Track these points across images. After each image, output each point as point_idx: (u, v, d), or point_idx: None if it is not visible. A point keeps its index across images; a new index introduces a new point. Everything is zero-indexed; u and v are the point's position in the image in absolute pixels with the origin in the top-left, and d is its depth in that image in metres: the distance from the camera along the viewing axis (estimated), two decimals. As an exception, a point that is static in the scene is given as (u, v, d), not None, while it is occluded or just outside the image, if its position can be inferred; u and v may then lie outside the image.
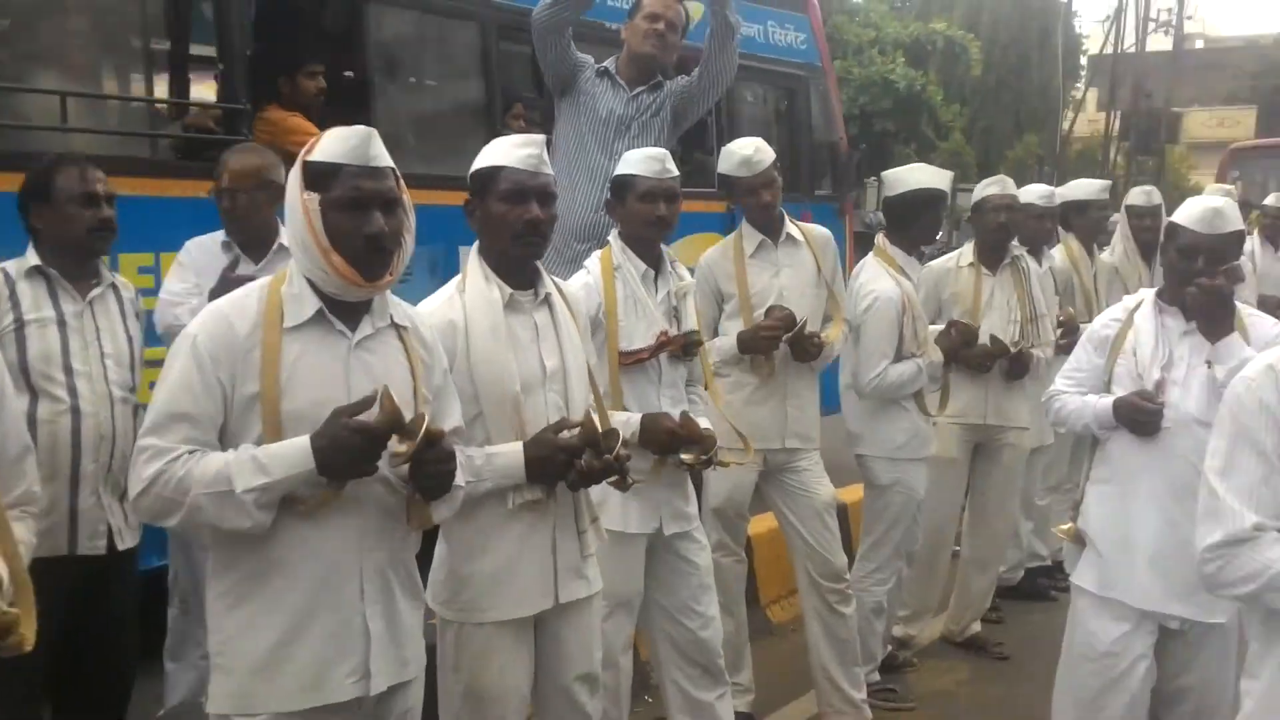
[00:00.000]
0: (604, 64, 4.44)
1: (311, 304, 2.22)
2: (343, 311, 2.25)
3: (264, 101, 4.80)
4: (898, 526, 4.42)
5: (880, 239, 4.39)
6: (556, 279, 2.91)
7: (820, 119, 8.00)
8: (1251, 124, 37.68)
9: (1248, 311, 3.30)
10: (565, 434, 2.65)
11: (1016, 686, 4.54)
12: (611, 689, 3.34)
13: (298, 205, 2.20)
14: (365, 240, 2.18)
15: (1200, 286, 3.12)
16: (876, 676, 4.51)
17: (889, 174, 4.48)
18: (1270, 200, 8.07)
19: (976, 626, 5.14)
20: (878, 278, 4.25)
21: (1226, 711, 3.09)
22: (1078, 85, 32.37)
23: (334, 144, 2.21)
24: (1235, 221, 3.24)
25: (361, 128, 2.23)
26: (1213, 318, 3.13)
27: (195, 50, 5.17)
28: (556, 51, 4.35)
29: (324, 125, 4.96)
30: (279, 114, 4.85)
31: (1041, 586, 5.74)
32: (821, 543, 4.05)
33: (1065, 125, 27.82)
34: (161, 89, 5.27)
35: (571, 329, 2.81)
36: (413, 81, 5.97)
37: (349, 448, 2.09)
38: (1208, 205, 3.21)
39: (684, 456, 3.24)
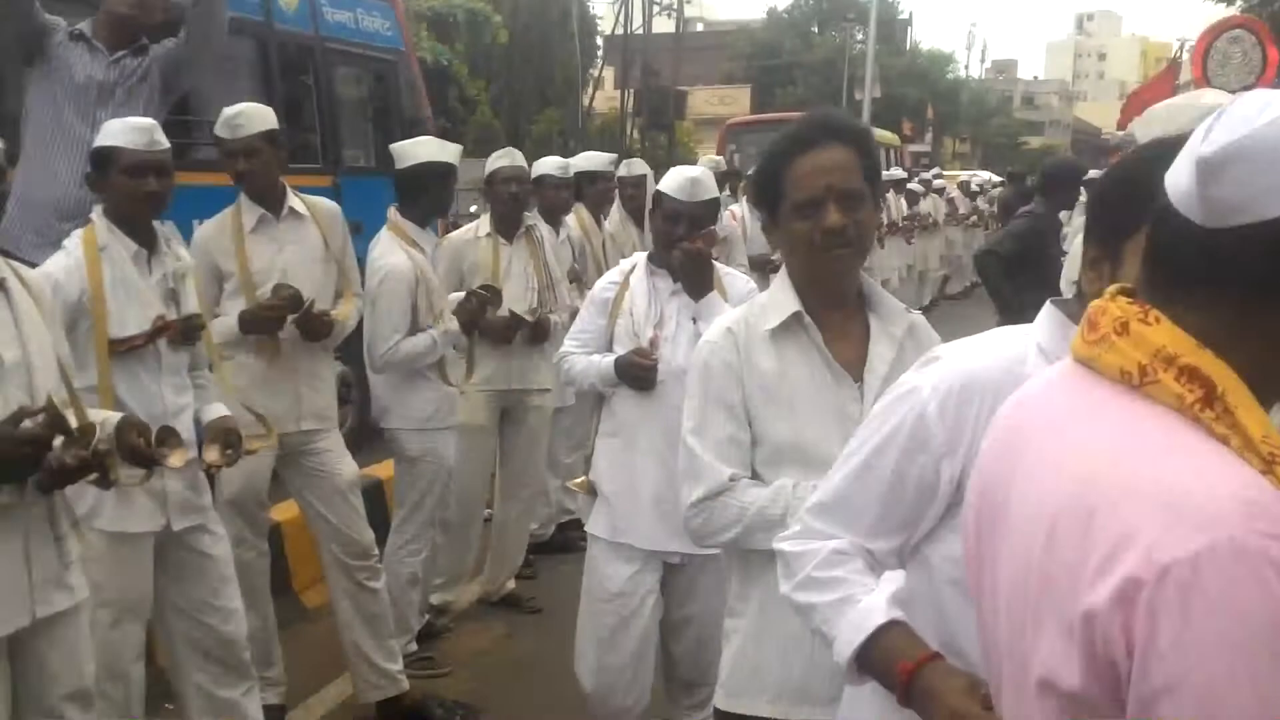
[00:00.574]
0: (78, 26, 4.04)
1: None
2: None
3: None
4: (429, 496, 4.46)
5: (392, 212, 4.38)
6: (16, 264, 2.61)
7: (408, 99, 8.47)
8: (748, 101, 41.71)
9: (725, 271, 3.65)
10: (27, 424, 2.38)
11: (549, 636, 4.75)
12: (120, 702, 3.10)
13: None
14: None
15: (683, 250, 3.39)
16: (414, 646, 4.54)
17: (397, 147, 4.46)
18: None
19: (511, 584, 5.31)
20: (390, 252, 4.23)
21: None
22: (597, 63, 34.09)
23: None
24: (712, 190, 3.56)
25: None
26: (695, 278, 3.41)
27: None
28: (18, 12, 3.90)
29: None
30: None
31: (571, 539, 6.01)
32: (346, 521, 4.00)
33: (585, 101, 29.21)
34: None
35: (34, 317, 2.53)
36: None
37: None
38: (687, 175, 3.50)
39: (206, 458, 3.03)
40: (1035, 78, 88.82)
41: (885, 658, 1.58)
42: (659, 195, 3.51)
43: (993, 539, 1.21)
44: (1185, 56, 10.39)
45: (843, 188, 2.12)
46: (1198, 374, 1.06)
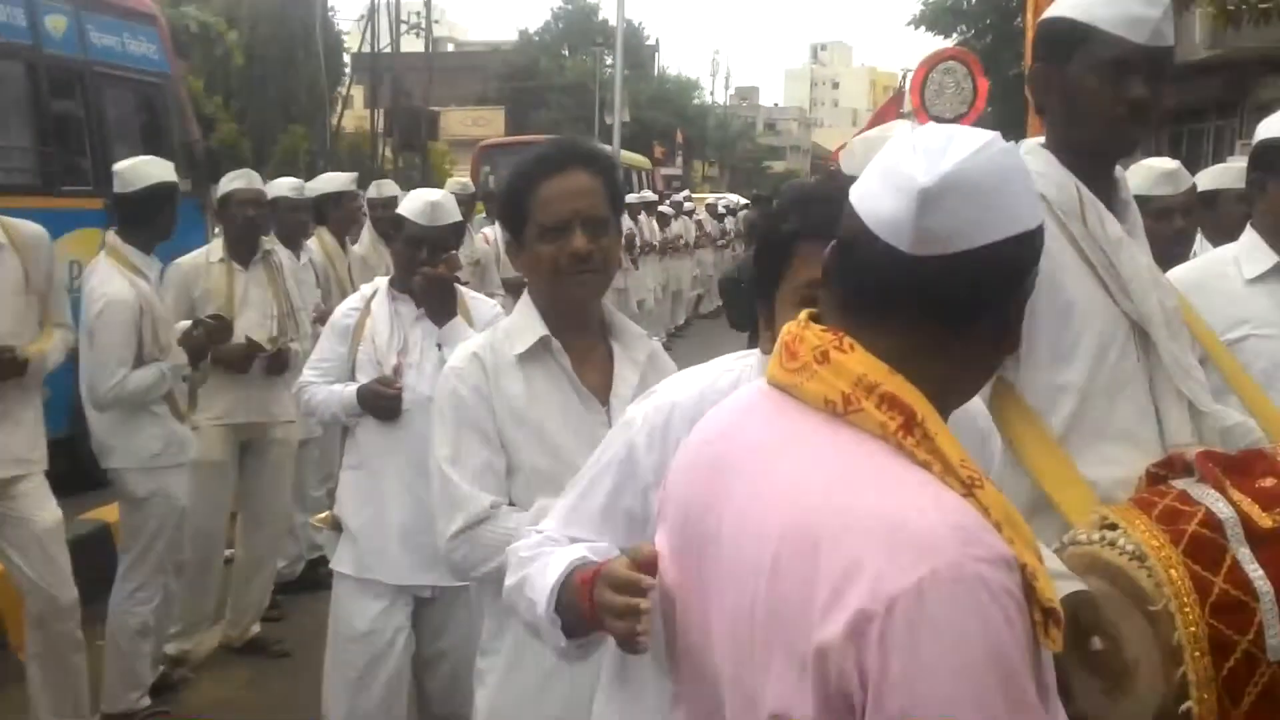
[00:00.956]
0: None
1: None
2: None
3: None
4: (159, 539, 4.17)
5: (112, 237, 4.10)
6: None
7: (176, 121, 8.74)
8: (502, 123, 41.76)
9: (470, 295, 3.62)
10: None
11: (299, 679, 4.53)
12: None
13: None
14: None
15: (424, 275, 3.34)
16: (147, 701, 4.22)
17: (123, 169, 4.18)
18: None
19: (256, 628, 5.05)
20: (109, 280, 3.96)
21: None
22: (344, 81, 33.30)
23: None
24: (454, 214, 3.53)
25: None
26: (438, 303, 3.37)
27: None
28: None
29: None
30: None
31: (322, 576, 5.77)
32: (43, 575, 3.64)
33: (334, 120, 28.49)
34: None
35: None
36: None
37: None
38: (427, 199, 3.45)
39: None
40: (776, 104, 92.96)
41: (572, 591, 1.54)
42: (399, 219, 3.45)
43: (702, 569, 1.21)
44: (908, 87, 11.11)
45: (589, 213, 2.14)
46: (897, 401, 1.10)
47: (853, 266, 1.15)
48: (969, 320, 1.12)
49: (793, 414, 1.16)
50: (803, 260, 1.54)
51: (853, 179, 1.21)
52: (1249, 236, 2.51)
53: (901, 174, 1.09)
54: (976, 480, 1.08)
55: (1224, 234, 3.42)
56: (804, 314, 1.20)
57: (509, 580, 1.71)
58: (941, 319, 1.11)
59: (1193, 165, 4.06)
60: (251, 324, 4.73)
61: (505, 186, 2.26)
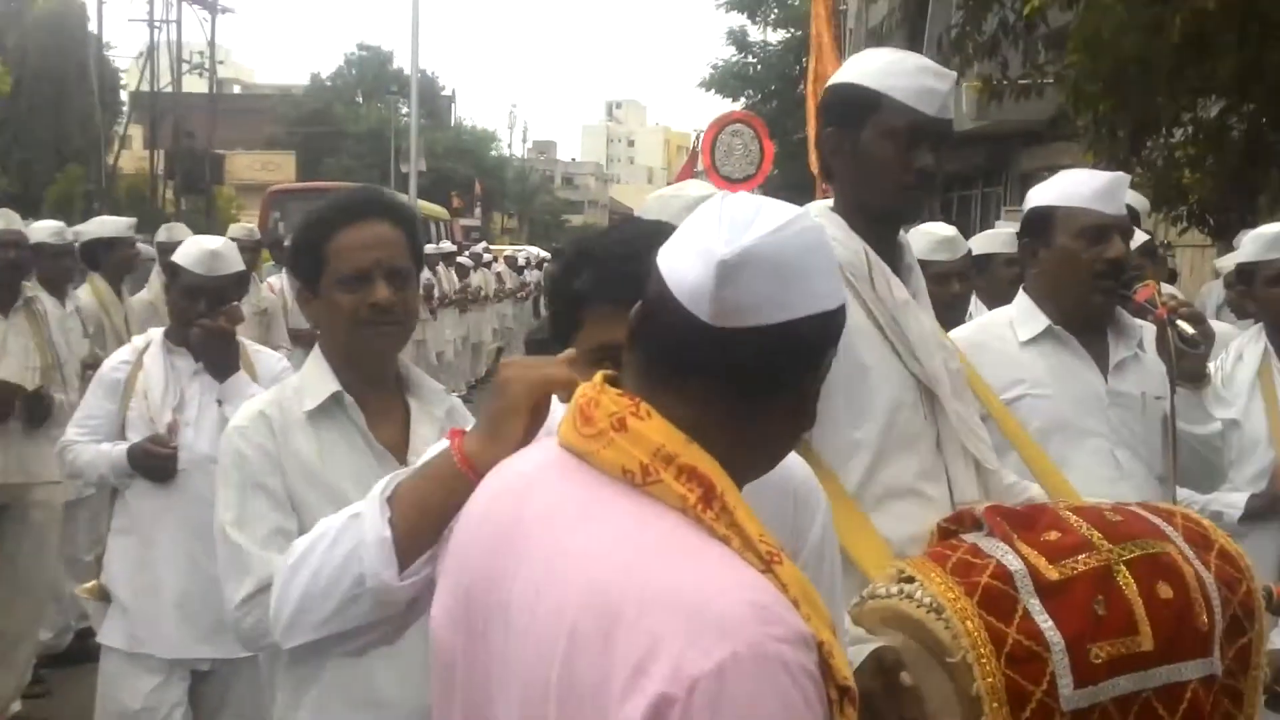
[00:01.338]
0: None
1: None
2: None
3: None
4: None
5: None
6: None
7: None
8: (293, 168, 40.61)
9: (254, 349, 3.46)
10: None
11: (61, 764, 4.21)
12: None
13: None
14: None
15: (203, 327, 3.19)
16: None
17: None
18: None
19: (18, 706, 4.66)
20: None
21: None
22: (122, 120, 31.80)
23: None
24: (235, 263, 3.38)
25: None
26: (217, 357, 3.21)
27: None
28: None
29: None
30: None
31: (92, 648, 5.36)
32: None
33: (111, 160, 27.10)
34: None
35: None
36: None
37: None
38: (206, 248, 3.30)
39: None
40: (574, 159, 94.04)
41: (421, 478, 1.45)
42: (174, 267, 3.28)
43: (489, 640, 1.15)
44: (700, 147, 11.43)
45: (390, 264, 2.08)
46: (696, 473, 1.08)
47: (655, 331, 1.13)
48: (765, 394, 1.11)
49: (588, 481, 1.12)
50: (593, 323, 1.47)
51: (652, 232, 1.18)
52: (1022, 300, 2.64)
53: (704, 243, 1.08)
54: (775, 555, 1.07)
55: (997, 297, 3.61)
56: (599, 376, 1.17)
57: (283, 580, 1.55)
58: (738, 391, 1.10)
59: (963, 229, 4.29)
60: (11, 376, 4.43)
61: (300, 233, 2.17)
